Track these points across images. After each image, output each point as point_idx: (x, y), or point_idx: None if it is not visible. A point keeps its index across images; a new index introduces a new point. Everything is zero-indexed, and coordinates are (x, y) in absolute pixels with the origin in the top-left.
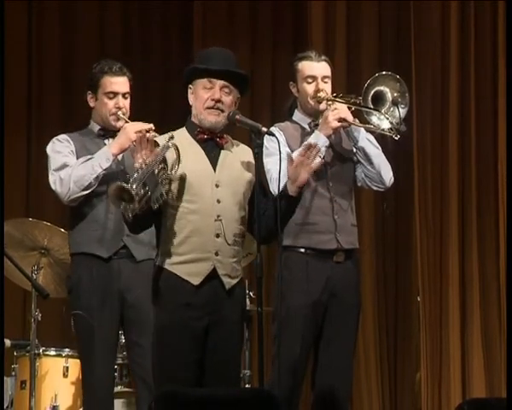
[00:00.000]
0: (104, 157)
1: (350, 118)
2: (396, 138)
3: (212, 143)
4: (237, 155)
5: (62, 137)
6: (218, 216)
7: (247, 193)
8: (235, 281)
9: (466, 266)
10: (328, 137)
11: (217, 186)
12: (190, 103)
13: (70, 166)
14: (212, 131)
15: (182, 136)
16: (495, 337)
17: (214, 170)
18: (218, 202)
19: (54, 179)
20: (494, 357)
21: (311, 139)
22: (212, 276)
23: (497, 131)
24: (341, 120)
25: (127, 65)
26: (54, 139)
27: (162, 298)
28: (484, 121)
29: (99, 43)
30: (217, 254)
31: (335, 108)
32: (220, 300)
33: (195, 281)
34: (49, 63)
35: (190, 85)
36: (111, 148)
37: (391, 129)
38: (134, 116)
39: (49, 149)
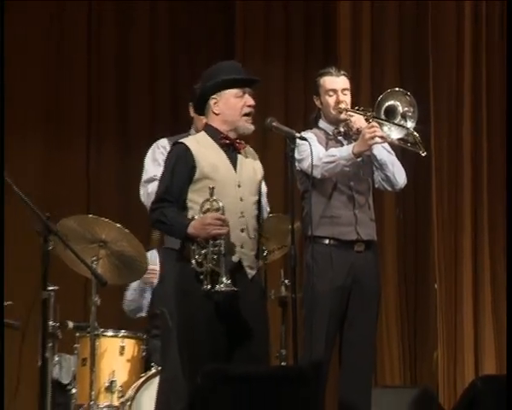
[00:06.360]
0: None
1: (385, 135)
2: (423, 155)
3: (231, 147)
4: (249, 158)
5: (162, 142)
6: (242, 213)
7: (258, 193)
8: (254, 271)
9: (478, 257)
10: (361, 153)
11: (239, 186)
12: (217, 112)
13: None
14: (242, 136)
15: (204, 140)
16: (505, 320)
17: (235, 171)
18: (241, 200)
19: (142, 192)
20: (504, 338)
21: (342, 160)
22: (237, 267)
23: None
24: (377, 137)
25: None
26: (154, 145)
27: (187, 286)
28: (495, 121)
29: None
30: (242, 247)
31: (372, 126)
32: (243, 287)
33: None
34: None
35: (215, 97)
36: None
37: (418, 146)
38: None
39: (148, 155)
